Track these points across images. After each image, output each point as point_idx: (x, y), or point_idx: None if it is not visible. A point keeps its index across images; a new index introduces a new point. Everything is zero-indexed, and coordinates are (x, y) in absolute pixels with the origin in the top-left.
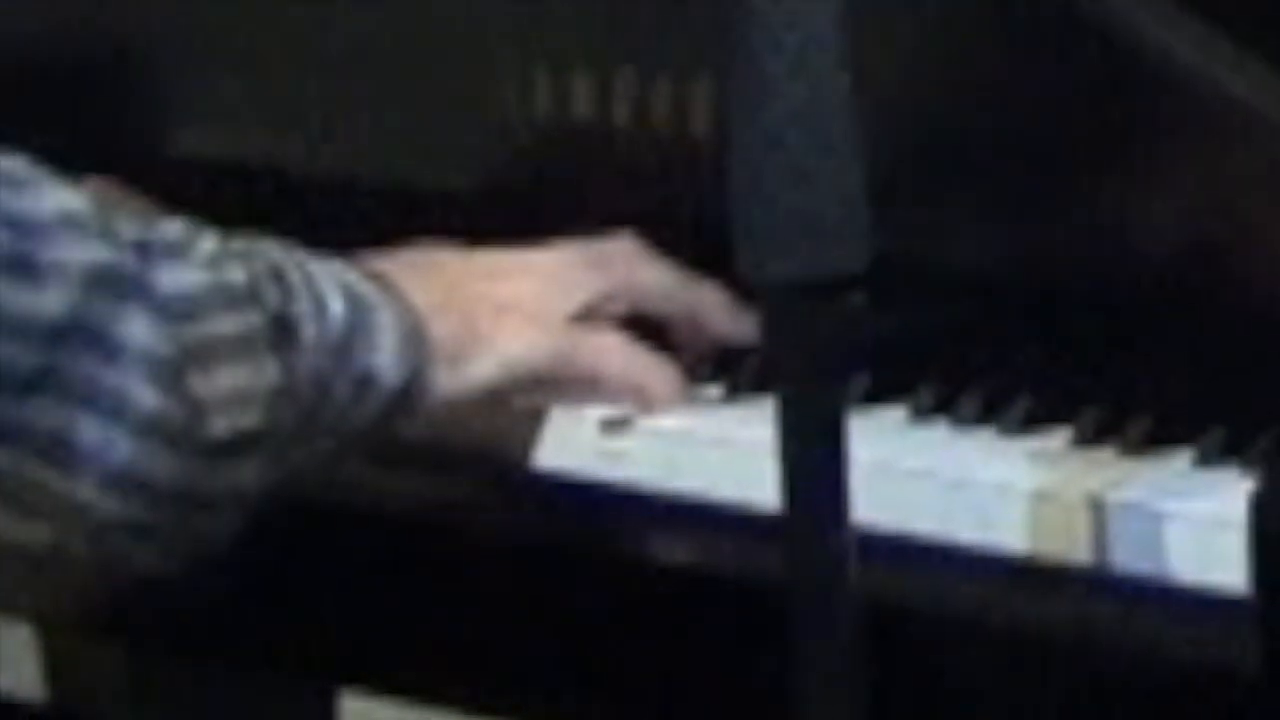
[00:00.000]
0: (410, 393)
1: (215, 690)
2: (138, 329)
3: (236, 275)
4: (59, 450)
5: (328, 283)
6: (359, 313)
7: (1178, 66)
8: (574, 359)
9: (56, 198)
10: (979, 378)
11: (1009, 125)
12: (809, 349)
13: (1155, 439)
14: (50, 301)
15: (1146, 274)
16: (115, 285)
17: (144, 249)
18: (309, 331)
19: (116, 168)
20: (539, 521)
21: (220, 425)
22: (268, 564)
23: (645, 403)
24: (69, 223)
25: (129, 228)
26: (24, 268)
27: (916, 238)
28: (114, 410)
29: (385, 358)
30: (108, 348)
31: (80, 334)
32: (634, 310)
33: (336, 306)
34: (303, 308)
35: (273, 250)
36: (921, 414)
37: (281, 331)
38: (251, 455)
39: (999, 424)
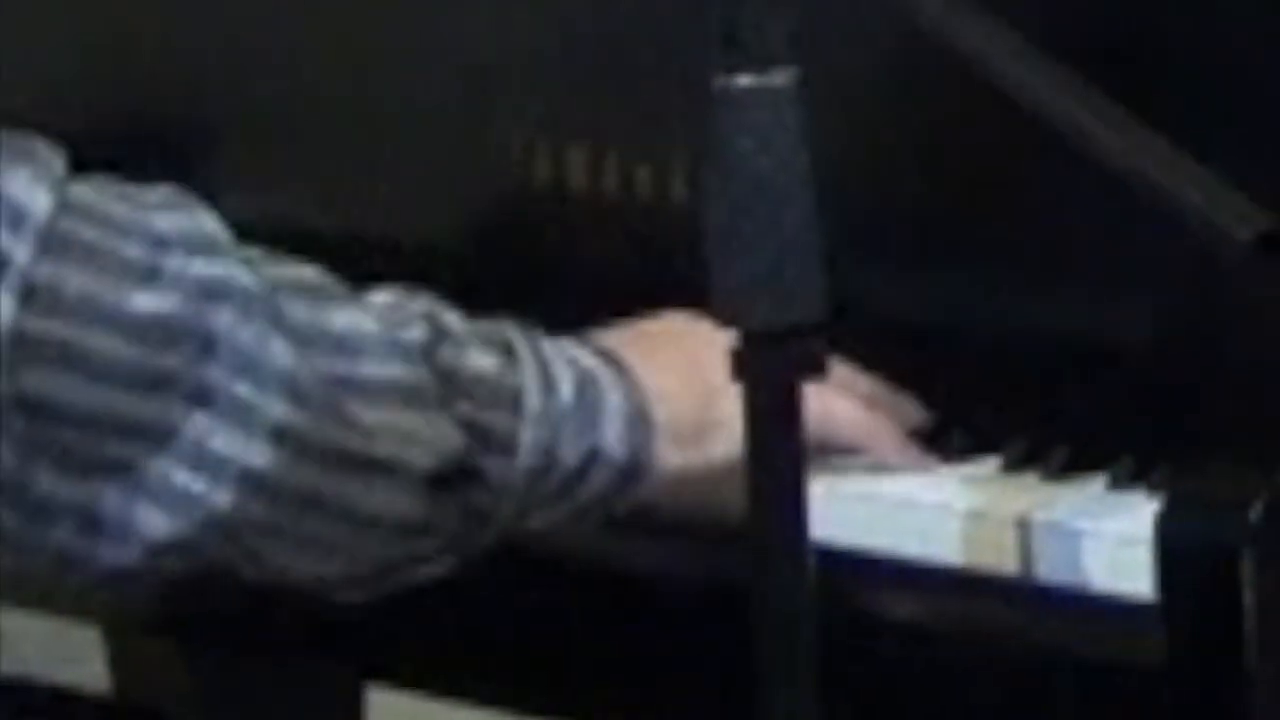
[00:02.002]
0: (635, 469)
1: (257, 682)
2: (268, 345)
3: (413, 335)
4: (186, 450)
5: (558, 363)
6: (589, 392)
7: (1086, 136)
8: (825, 427)
9: (194, 220)
10: (922, 411)
11: (938, 194)
12: (774, 387)
13: (1073, 466)
14: (155, 303)
15: (1065, 323)
16: (232, 299)
17: (313, 291)
18: (533, 403)
19: None
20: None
21: (353, 445)
22: None
23: (889, 461)
24: (195, 240)
25: (305, 274)
26: (125, 269)
27: (864, 291)
28: (239, 416)
29: (614, 435)
30: (229, 356)
31: (190, 339)
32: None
33: (566, 386)
34: (528, 380)
35: (511, 330)
36: None
37: (492, 397)
38: (385, 481)
39: (938, 453)
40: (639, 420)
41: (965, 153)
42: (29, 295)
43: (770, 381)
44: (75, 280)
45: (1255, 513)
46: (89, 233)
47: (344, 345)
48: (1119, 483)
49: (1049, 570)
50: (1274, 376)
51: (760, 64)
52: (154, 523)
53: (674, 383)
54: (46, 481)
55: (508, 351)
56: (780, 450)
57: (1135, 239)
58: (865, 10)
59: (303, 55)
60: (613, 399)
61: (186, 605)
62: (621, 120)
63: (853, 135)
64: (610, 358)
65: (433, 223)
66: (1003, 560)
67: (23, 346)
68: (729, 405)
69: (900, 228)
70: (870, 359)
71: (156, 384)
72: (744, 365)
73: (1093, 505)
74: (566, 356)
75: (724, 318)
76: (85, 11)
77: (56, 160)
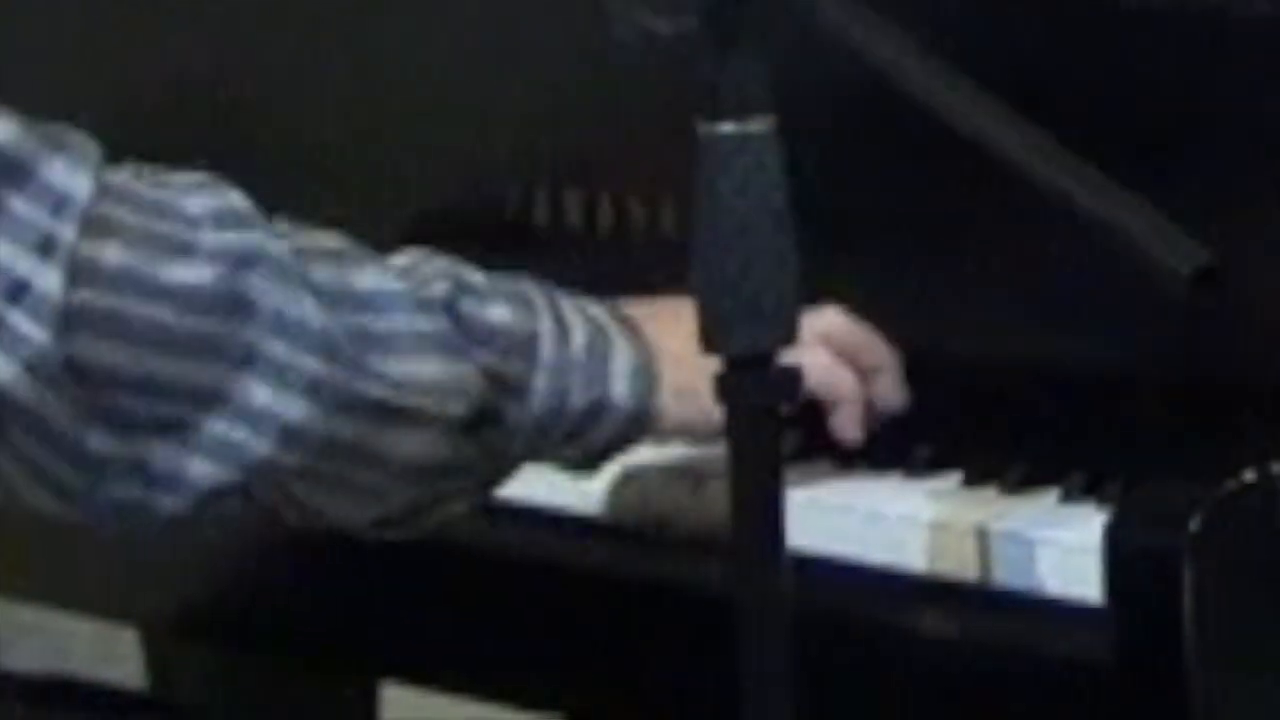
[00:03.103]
0: (642, 417)
1: (280, 679)
2: (300, 306)
3: (436, 290)
4: (232, 407)
5: (573, 316)
6: (600, 346)
7: (1039, 178)
8: (826, 384)
9: (224, 198)
10: (889, 431)
11: (906, 231)
12: (754, 406)
13: (1028, 481)
14: (196, 275)
15: (1022, 350)
16: (276, 269)
17: (338, 255)
18: (547, 351)
19: None
20: (555, 544)
21: (384, 394)
22: (321, 578)
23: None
24: (225, 214)
25: (330, 239)
26: (163, 243)
27: None
28: (279, 374)
29: (620, 386)
30: (265, 319)
31: (230, 304)
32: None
33: (579, 337)
34: (544, 331)
35: (527, 283)
36: (843, 460)
37: (511, 346)
38: (414, 429)
39: (905, 468)
40: (645, 373)
41: (930, 194)
42: (76, 271)
43: (750, 402)
44: (116, 256)
45: (1194, 524)
46: (126, 213)
47: (370, 302)
48: (1071, 496)
49: (1006, 576)
50: (1211, 401)
51: (740, 113)
52: (203, 472)
53: (677, 344)
54: (99, 440)
55: (525, 303)
56: (760, 465)
57: (1084, 273)
58: (835, 63)
59: (317, 104)
60: (621, 352)
61: (216, 609)
62: (614, 164)
63: (826, 177)
64: (621, 316)
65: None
66: (964, 567)
67: (71, 318)
68: None
69: (870, 261)
70: None
71: (200, 348)
72: (726, 388)
73: (1046, 517)
74: (581, 311)
75: (708, 344)
76: (108, 47)
77: (91, 147)
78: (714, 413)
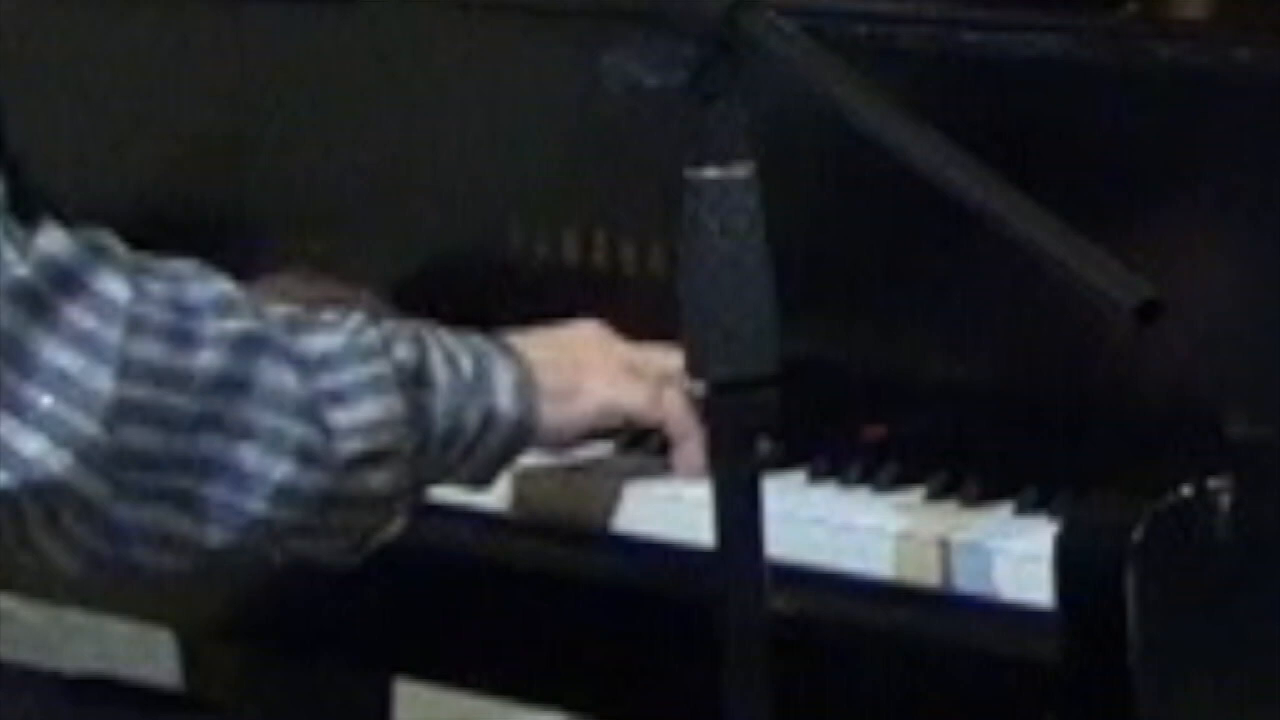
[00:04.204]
0: (527, 424)
1: (302, 676)
2: (283, 379)
3: (369, 338)
4: (228, 474)
5: (458, 345)
6: (482, 364)
7: (996, 218)
8: (654, 408)
9: (217, 286)
10: (859, 450)
11: (875, 268)
12: (735, 427)
13: (986, 495)
14: (206, 360)
15: (980, 375)
16: (261, 347)
17: (292, 323)
18: (441, 378)
19: None
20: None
21: (351, 447)
22: (340, 585)
23: (686, 458)
24: (221, 302)
25: (281, 310)
26: (182, 337)
27: (812, 349)
28: (269, 442)
29: (504, 398)
30: (257, 394)
31: (232, 384)
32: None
33: (465, 361)
34: (435, 360)
35: (415, 323)
36: (816, 476)
37: (414, 377)
38: (378, 469)
39: (873, 484)
40: (526, 384)
41: (896, 233)
42: (124, 370)
43: (731, 424)
44: (151, 352)
45: (1137, 534)
46: (154, 311)
47: (327, 362)
48: (1024, 509)
49: (966, 582)
50: (1153, 423)
51: (723, 159)
52: (212, 535)
53: (547, 355)
54: (124, 512)
55: (418, 340)
56: (740, 481)
57: (1036, 306)
58: (812, 114)
59: (335, 158)
60: (502, 369)
61: (246, 613)
62: (608, 207)
63: (801, 218)
64: (496, 337)
65: (446, 295)
66: (927, 574)
67: (120, 410)
68: (591, 374)
69: (840, 296)
70: (815, 407)
71: (207, 425)
72: (710, 412)
73: (1002, 528)
74: (464, 340)
75: (694, 371)
76: (147, 117)
77: (121, 248)
78: (587, 410)
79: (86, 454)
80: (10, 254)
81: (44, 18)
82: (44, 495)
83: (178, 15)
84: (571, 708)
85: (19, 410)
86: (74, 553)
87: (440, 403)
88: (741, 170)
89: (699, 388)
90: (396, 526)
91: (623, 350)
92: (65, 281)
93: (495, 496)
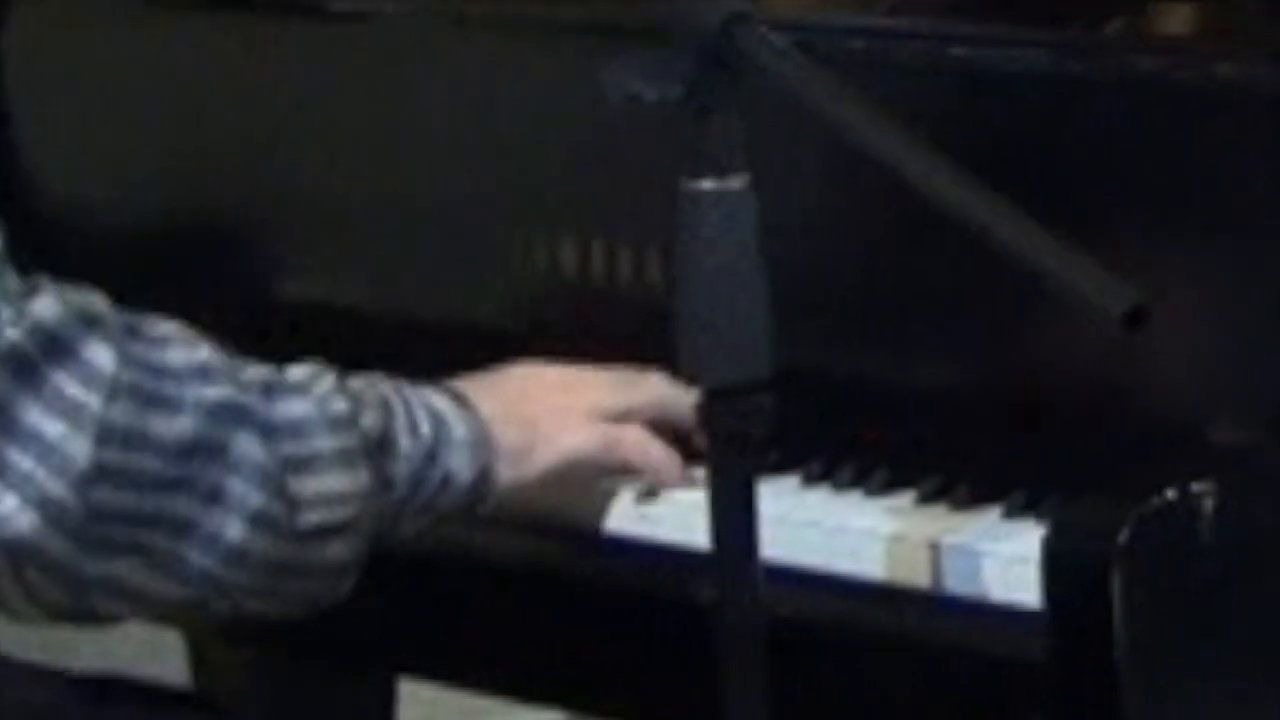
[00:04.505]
0: (481, 485)
1: (308, 675)
2: (251, 448)
3: (339, 406)
4: (192, 534)
5: (419, 408)
6: (441, 429)
7: (988, 230)
8: (614, 450)
9: (199, 353)
10: (852, 454)
11: (869, 277)
12: (730, 433)
13: (975, 499)
14: (181, 425)
15: (970, 383)
16: (237, 415)
17: (267, 388)
18: (404, 444)
19: (229, 311)
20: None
21: (312, 518)
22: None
23: (660, 481)
24: (202, 369)
25: (257, 373)
26: (162, 403)
27: (805, 356)
28: (231, 506)
29: (461, 461)
30: (229, 460)
31: (206, 450)
32: (657, 416)
33: (425, 426)
34: (400, 426)
35: (383, 385)
36: (810, 480)
37: (379, 446)
38: (337, 540)
39: (865, 488)
40: (482, 445)
41: (891, 241)
42: (100, 435)
43: (726, 429)
44: (129, 418)
45: (1123, 537)
46: (136, 377)
47: (295, 430)
48: (1013, 512)
49: (955, 584)
50: (1138, 428)
51: (719, 171)
52: (167, 590)
53: (502, 412)
54: (90, 567)
55: (384, 406)
56: (736, 485)
57: (1025, 314)
58: (805, 127)
59: (340, 167)
60: (459, 431)
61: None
62: (606, 217)
63: (795, 228)
64: (457, 397)
65: (448, 301)
66: (918, 575)
67: (93, 474)
68: (546, 427)
69: (835, 304)
70: (809, 413)
71: (180, 488)
72: (705, 416)
73: (991, 531)
74: (423, 401)
75: (689, 378)
76: (163, 125)
77: (110, 314)
78: (545, 464)
79: (55, 517)
80: (6, 314)
81: (62, 33)
82: (10, 553)
83: (192, 28)
84: (571, 706)
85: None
86: (33, 601)
87: (401, 469)
88: (737, 181)
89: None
90: (343, 590)
91: (593, 393)
92: (55, 349)
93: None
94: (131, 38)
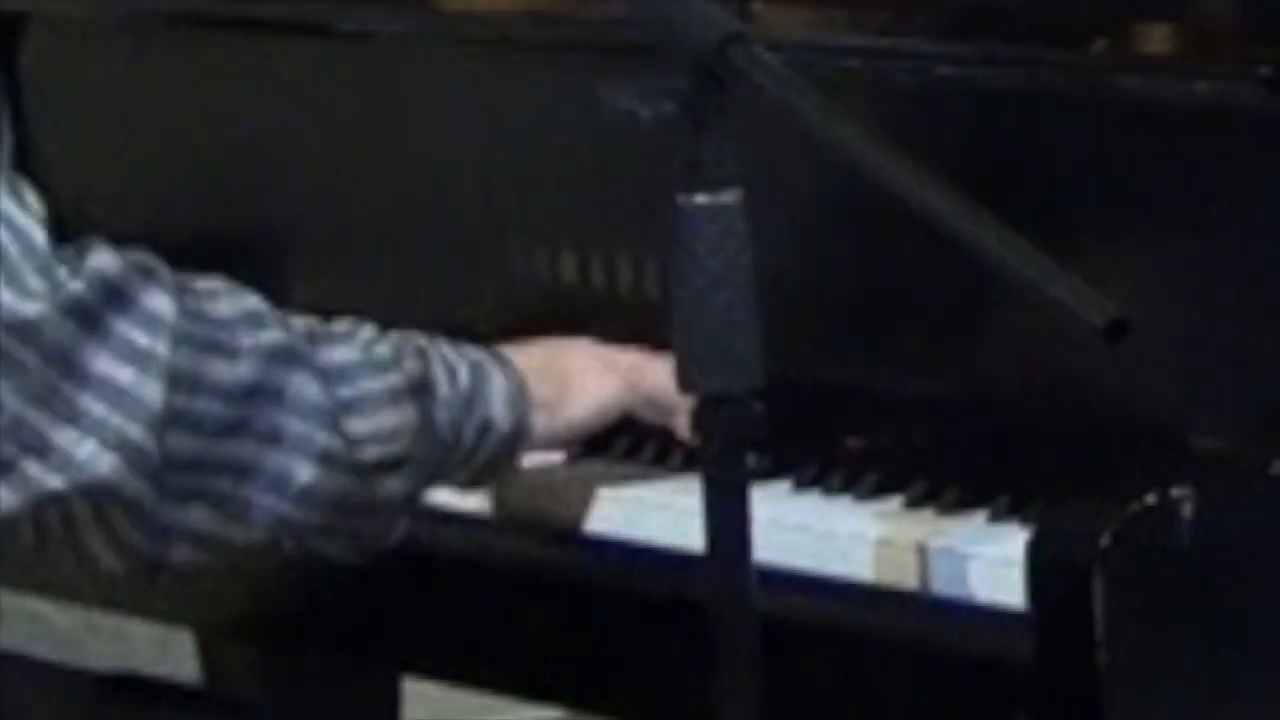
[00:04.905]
0: (519, 433)
1: (315, 673)
2: (308, 389)
3: (382, 350)
4: (257, 477)
5: (456, 358)
6: (478, 377)
7: (974, 242)
8: (637, 387)
9: (247, 301)
10: (841, 460)
11: (859, 288)
12: (724, 439)
13: (961, 503)
14: (241, 370)
15: (958, 391)
16: (290, 358)
17: (313, 335)
18: (443, 390)
19: None
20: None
21: (372, 453)
22: (350, 587)
23: (675, 407)
24: (253, 316)
25: (302, 322)
26: (220, 349)
27: (796, 365)
28: (295, 446)
29: (499, 409)
30: (286, 402)
31: (265, 393)
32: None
33: (463, 373)
34: (438, 373)
35: (419, 338)
36: (801, 485)
37: (421, 388)
38: (396, 474)
39: (854, 492)
40: (519, 395)
41: (880, 254)
42: (170, 381)
43: (721, 434)
44: (194, 364)
45: (1104, 541)
46: (196, 327)
47: (345, 373)
48: (998, 516)
49: (942, 585)
50: (1119, 435)
51: (713, 186)
52: (240, 534)
53: (538, 364)
54: (167, 513)
55: (421, 354)
56: (730, 489)
57: (1009, 326)
58: (798, 144)
59: (349, 183)
60: (497, 381)
61: (260, 615)
62: (606, 230)
63: (788, 241)
64: (493, 350)
65: (454, 311)
66: (905, 577)
67: (166, 418)
68: (577, 380)
69: (825, 314)
70: (799, 420)
71: (244, 431)
72: (701, 422)
73: (977, 534)
74: (461, 353)
75: (685, 384)
76: (175, 141)
77: (166, 271)
78: (578, 416)
79: (134, 459)
80: (63, 272)
81: (77, 52)
82: (93, 496)
83: (204, 47)
84: (571, 704)
85: (73, 418)
86: (118, 551)
87: (442, 413)
88: (730, 196)
89: None
90: (399, 532)
91: (608, 352)
92: (116, 297)
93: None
94: (144, 57)
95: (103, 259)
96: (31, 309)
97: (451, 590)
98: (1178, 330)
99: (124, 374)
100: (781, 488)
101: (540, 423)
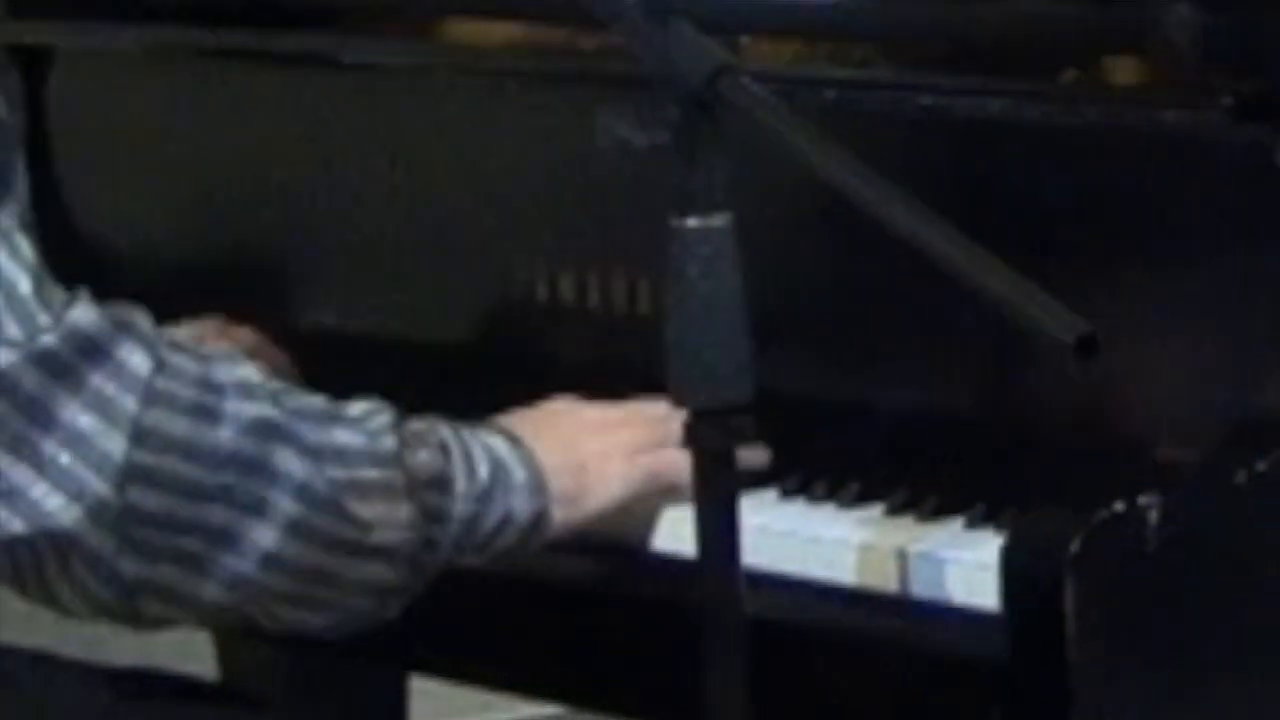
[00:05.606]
0: (537, 526)
1: (328, 671)
2: (293, 465)
3: (387, 443)
4: (229, 542)
5: (478, 451)
6: (500, 473)
7: (948, 261)
8: (657, 479)
9: (242, 371)
10: (826, 469)
11: (840, 307)
12: (715, 450)
13: (940, 511)
14: (222, 436)
15: (936, 403)
16: (273, 432)
17: (325, 415)
18: (460, 485)
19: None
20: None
21: (349, 534)
22: None
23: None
24: (243, 386)
25: (316, 401)
26: (200, 413)
27: (784, 380)
28: (269, 517)
29: (518, 504)
30: (269, 474)
31: (247, 462)
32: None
33: (483, 469)
34: (457, 469)
35: (443, 429)
36: (787, 493)
37: (432, 484)
38: (374, 561)
39: (838, 500)
40: (539, 491)
41: (863, 275)
42: (136, 436)
43: (711, 446)
44: (166, 423)
45: (1075, 546)
46: (175, 385)
47: (343, 456)
48: (974, 523)
49: (921, 589)
50: (1089, 445)
51: (704, 210)
52: (208, 594)
53: (557, 460)
54: (132, 567)
55: (442, 447)
56: (720, 498)
57: (985, 342)
58: (783, 169)
59: (356, 208)
60: (518, 475)
61: None
62: (601, 252)
63: (772, 262)
64: (514, 440)
65: (459, 330)
66: (886, 581)
67: (129, 473)
68: (595, 471)
69: (811, 332)
70: (784, 432)
71: (218, 497)
72: (692, 435)
73: (954, 540)
74: (482, 444)
75: (677, 399)
76: (191, 168)
77: (147, 324)
78: (594, 511)
79: (96, 510)
80: (44, 320)
81: (99, 84)
82: (57, 543)
83: (219, 79)
84: (569, 701)
85: (39, 464)
86: (80, 597)
87: (457, 505)
88: (720, 220)
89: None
90: (394, 612)
91: (631, 429)
92: (91, 351)
93: None
94: (162, 87)
95: (82, 313)
96: (4, 357)
97: (457, 594)
98: (1145, 347)
99: (89, 423)
100: (769, 496)
101: (559, 515)
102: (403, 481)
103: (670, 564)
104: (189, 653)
